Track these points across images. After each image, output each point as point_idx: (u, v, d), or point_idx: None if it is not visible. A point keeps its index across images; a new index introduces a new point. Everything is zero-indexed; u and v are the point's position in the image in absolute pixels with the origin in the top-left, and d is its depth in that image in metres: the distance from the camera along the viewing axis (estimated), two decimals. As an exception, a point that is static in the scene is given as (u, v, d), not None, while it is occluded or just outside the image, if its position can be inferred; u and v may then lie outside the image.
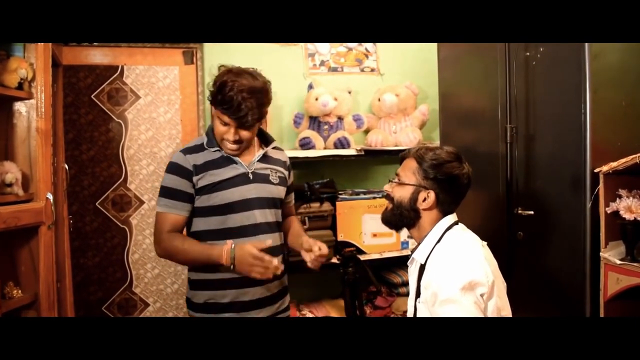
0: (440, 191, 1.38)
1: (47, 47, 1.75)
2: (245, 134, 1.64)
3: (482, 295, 1.26)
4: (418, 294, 1.38)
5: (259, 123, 1.69)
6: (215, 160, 1.67)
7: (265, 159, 1.76)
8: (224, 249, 1.55)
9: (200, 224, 1.68)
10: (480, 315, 1.25)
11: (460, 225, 1.43)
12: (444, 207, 1.41)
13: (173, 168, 1.66)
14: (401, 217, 1.43)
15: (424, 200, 1.38)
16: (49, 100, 1.75)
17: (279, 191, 1.77)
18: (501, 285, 1.35)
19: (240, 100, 1.56)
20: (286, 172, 1.84)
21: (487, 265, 1.30)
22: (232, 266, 1.54)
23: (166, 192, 1.65)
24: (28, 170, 1.73)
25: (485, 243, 1.42)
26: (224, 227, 1.64)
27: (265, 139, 1.83)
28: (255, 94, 1.59)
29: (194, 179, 1.64)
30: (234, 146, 1.65)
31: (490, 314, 1.29)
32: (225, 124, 1.63)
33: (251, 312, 1.66)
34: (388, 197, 1.47)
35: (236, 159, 1.69)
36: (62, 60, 2.40)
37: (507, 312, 1.35)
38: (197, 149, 1.69)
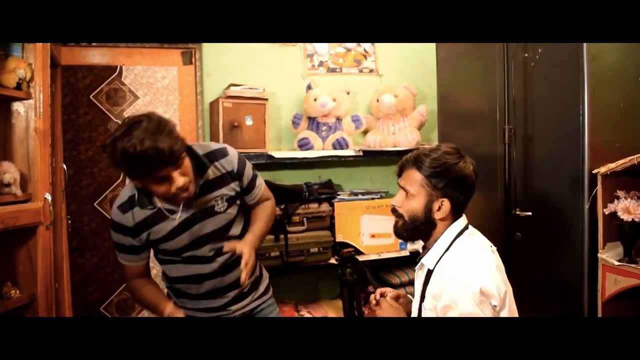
0: (454, 196, 1.33)
1: (46, 47, 1.75)
2: (182, 178, 1.41)
3: (495, 307, 1.25)
4: (423, 299, 1.37)
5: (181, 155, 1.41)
6: (152, 215, 1.52)
7: (205, 189, 1.54)
8: (165, 310, 1.54)
9: (170, 270, 1.66)
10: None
11: (470, 229, 1.39)
12: (457, 211, 1.36)
13: (115, 227, 1.56)
14: (417, 230, 1.37)
15: (439, 209, 1.33)
16: (47, 100, 1.75)
17: (229, 216, 1.61)
18: (510, 292, 1.33)
19: (147, 149, 1.29)
20: (234, 183, 1.61)
21: (498, 275, 1.28)
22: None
23: (117, 248, 1.60)
24: (26, 171, 1.73)
25: (495, 248, 1.38)
26: (187, 268, 1.61)
27: (200, 163, 1.53)
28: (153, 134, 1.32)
29: (138, 238, 1.54)
30: (185, 193, 1.44)
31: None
32: (161, 182, 1.39)
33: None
34: (395, 211, 1.40)
35: (172, 209, 1.52)
36: (60, 61, 2.40)
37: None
38: (129, 205, 1.53)
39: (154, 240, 1.55)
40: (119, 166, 1.36)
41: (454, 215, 1.37)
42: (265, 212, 1.72)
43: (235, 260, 1.58)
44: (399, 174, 1.40)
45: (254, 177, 1.68)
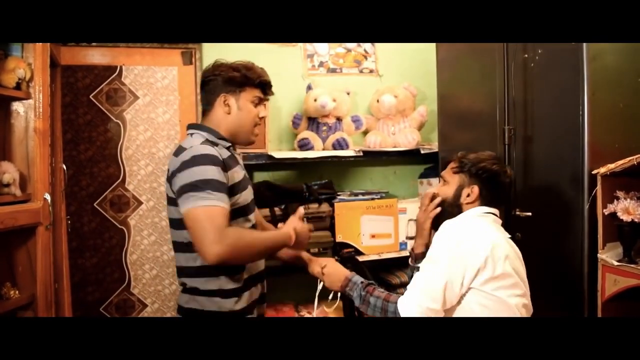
0: (482, 186, 1.46)
1: (46, 47, 1.75)
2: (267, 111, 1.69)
3: (478, 270, 1.30)
4: None
5: None
6: (229, 158, 1.53)
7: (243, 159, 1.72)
8: (290, 231, 1.55)
9: None
10: (454, 285, 1.29)
11: (493, 217, 1.48)
12: (485, 202, 1.48)
13: (210, 159, 1.43)
14: (442, 212, 1.52)
15: (468, 195, 1.47)
16: (47, 100, 1.75)
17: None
18: (520, 266, 1.42)
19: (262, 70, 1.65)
20: None
21: (489, 240, 1.33)
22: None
23: (213, 185, 1.40)
24: (26, 171, 1.73)
25: (509, 236, 1.48)
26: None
27: None
28: None
29: (226, 175, 1.47)
30: (258, 131, 1.63)
31: (483, 288, 1.31)
32: (259, 102, 1.62)
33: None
34: (434, 198, 1.55)
35: (238, 157, 1.61)
36: (60, 60, 2.39)
37: (523, 300, 1.39)
38: (212, 143, 1.52)
39: (233, 184, 1.50)
40: (237, 72, 1.58)
41: (482, 205, 1.48)
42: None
43: None
44: (443, 168, 1.60)
45: None
